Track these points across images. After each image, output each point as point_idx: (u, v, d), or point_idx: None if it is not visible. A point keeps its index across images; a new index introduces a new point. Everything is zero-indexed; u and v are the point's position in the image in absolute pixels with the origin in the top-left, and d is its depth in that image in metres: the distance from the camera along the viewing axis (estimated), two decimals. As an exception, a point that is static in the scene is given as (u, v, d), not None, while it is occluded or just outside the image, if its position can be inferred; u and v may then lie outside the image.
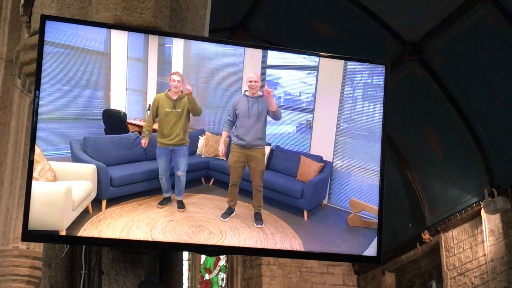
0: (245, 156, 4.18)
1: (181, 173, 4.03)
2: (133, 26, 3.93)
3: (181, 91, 4.03)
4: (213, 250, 3.90)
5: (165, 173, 4.00)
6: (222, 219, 3.95)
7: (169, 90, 4.04)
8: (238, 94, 4.19)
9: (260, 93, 4.14)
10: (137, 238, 3.71)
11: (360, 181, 4.21)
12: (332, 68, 4.22)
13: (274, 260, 14.14)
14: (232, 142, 4.19)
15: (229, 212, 3.99)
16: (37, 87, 3.65)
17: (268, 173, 4.23)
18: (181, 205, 3.92)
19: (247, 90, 4.15)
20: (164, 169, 4.02)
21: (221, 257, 14.72)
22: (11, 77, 8.10)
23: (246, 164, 4.19)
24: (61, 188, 3.69)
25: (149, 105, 4.31)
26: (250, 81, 4.13)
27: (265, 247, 3.94)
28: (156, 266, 3.83)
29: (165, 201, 3.88)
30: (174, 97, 4.04)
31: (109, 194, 3.92)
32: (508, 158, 10.93)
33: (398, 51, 11.47)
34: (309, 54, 4.21)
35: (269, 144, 4.26)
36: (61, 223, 3.62)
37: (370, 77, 4.27)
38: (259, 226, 3.98)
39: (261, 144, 4.20)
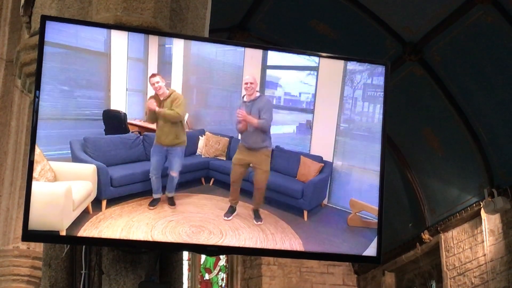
0: (250, 157, 4.18)
1: (174, 173, 4.00)
2: (133, 26, 3.93)
3: (168, 89, 4.01)
4: (213, 250, 3.90)
5: (155, 171, 3.97)
6: (225, 218, 3.95)
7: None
8: (238, 95, 4.19)
9: (258, 94, 4.14)
10: (137, 238, 3.71)
11: (360, 181, 4.21)
12: (332, 68, 4.23)
13: (274, 260, 14.15)
14: (240, 142, 4.19)
15: (231, 211, 3.99)
16: (37, 87, 3.65)
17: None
18: (172, 202, 3.90)
19: (245, 95, 4.15)
20: (154, 167, 3.99)
21: (221, 257, 14.73)
22: (12, 77, 8.10)
23: (250, 165, 4.19)
24: (61, 188, 3.69)
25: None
26: (246, 83, 4.13)
27: (265, 247, 3.94)
28: (156, 266, 3.83)
29: (155, 202, 3.87)
30: (162, 98, 4.02)
31: (109, 194, 3.92)
32: (508, 158, 10.93)
33: (398, 51, 11.48)
34: (309, 54, 4.21)
35: (269, 144, 4.26)
36: (61, 223, 3.62)
37: (370, 77, 4.27)
38: (259, 223, 3.99)
39: (265, 146, 4.19)
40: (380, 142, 4.14)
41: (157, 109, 4.00)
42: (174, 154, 4.07)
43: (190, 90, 4.13)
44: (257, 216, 4.02)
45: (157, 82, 4.00)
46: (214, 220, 3.91)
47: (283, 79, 4.19)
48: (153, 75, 4.01)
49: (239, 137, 4.20)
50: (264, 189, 4.09)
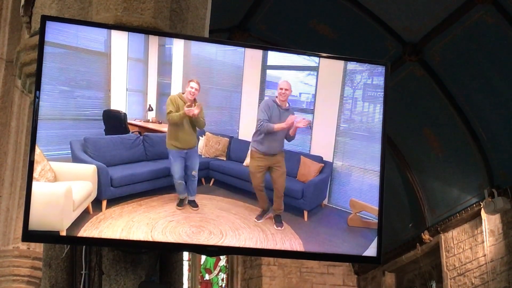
0: (269, 161, 4.19)
1: (195, 172, 4.05)
2: (133, 26, 3.93)
3: (195, 99, 4.02)
4: (213, 251, 3.90)
5: (181, 176, 4.01)
6: (256, 220, 3.97)
7: (183, 93, 4.01)
8: (238, 95, 4.19)
9: (288, 105, 4.13)
10: (138, 238, 3.72)
11: (360, 181, 4.21)
12: (332, 68, 4.23)
13: (274, 260, 14.14)
14: (252, 148, 4.17)
15: (262, 214, 4.01)
16: (38, 87, 3.65)
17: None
18: (195, 204, 3.93)
19: (277, 97, 4.14)
20: (180, 173, 4.02)
21: (221, 257, 14.73)
22: (12, 77, 8.11)
23: (267, 169, 4.20)
24: (62, 189, 3.69)
25: (150, 105, 4.32)
26: (282, 89, 4.13)
27: (265, 247, 3.94)
28: (156, 266, 3.83)
29: (182, 203, 3.90)
30: (189, 103, 4.02)
31: (109, 195, 3.93)
32: (508, 158, 10.93)
33: (398, 51, 11.47)
34: (309, 55, 4.22)
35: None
36: (61, 224, 3.63)
37: (370, 77, 4.28)
38: (279, 228, 3.99)
39: (282, 150, 4.20)
40: (380, 142, 4.15)
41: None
42: (195, 155, 4.12)
43: (190, 90, 4.13)
44: (278, 222, 4.02)
45: (196, 89, 4.00)
46: (214, 220, 3.91)
47: (283, 79, 4.19)
48: (193, 81, 4.01)
49: (256, 139, 4.17)
50: (283, 191, 4.10)
